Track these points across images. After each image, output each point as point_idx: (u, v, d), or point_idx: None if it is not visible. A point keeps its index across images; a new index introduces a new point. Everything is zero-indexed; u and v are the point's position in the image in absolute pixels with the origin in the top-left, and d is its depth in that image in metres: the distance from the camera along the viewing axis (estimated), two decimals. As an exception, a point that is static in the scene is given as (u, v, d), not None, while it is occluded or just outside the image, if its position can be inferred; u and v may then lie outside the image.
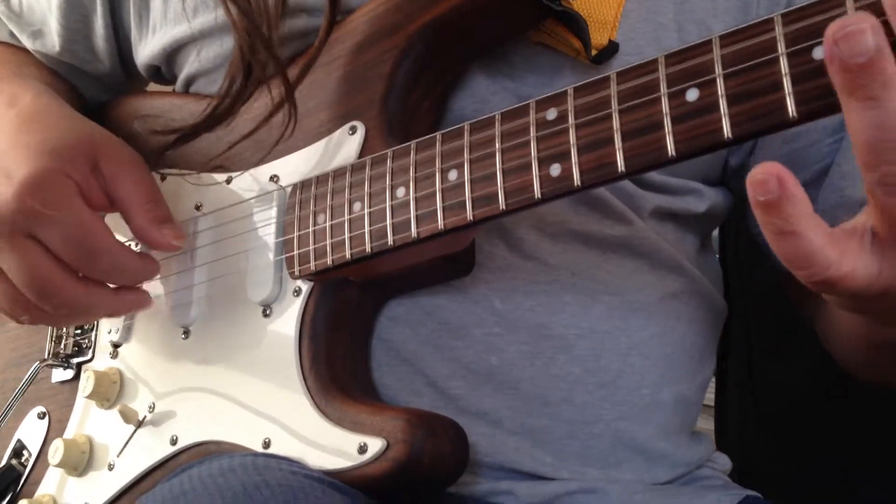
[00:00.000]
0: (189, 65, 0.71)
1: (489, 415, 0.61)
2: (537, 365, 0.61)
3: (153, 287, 0.69)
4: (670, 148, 0.45)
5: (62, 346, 0.76)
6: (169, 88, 0.79)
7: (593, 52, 0.60)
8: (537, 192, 0.49)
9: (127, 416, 0.65)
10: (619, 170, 0.46)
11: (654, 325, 0.65)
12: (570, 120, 0.49)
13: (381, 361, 0.62)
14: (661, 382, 0.65)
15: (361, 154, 0.60)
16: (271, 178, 0.64)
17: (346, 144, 0.61)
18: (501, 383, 0.61)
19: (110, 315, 0.70)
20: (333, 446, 0.54)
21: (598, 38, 0.60)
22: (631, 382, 0.64)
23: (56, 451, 0.68)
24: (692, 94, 0.44)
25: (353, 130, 0.61)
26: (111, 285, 0.64)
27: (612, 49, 0.61)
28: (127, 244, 0.70)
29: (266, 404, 0.59)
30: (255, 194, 0.65)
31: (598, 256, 0.63)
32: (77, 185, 0.60)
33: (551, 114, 0.50)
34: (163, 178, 0.72)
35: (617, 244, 0.64)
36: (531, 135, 0.50)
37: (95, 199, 0.62)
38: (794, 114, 0.41)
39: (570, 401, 0.62)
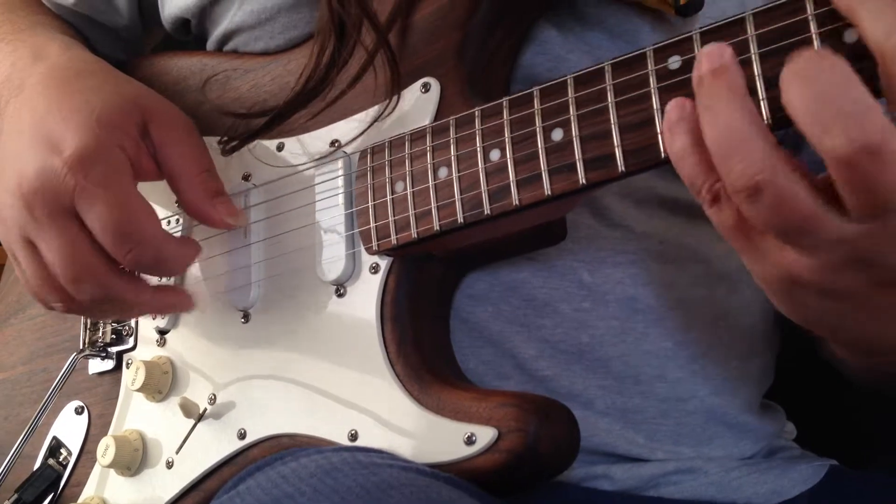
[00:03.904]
0: (228, 19, 0.65)
1: (580, 396, 0.57)
2: (628, 341, 0.58)
3: (205, 267, 0.63)
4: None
5: (99, 334, 0.70)
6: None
7: (681, 3, 0.55)
8: (663, 150, 0.44)
9: (188, 409, 0.59)
10: (767, 122, 0.41)
11: (739, 294, 0.62)
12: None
13: (463, 343, 0.57)
14: (748, 354, 0.63)
15: (438, 114, 0.54)
16: (332, 144, 0.59)
17: (418, 104, 0.55)
18: (592, 362, 0.58)
19: (147, 314, 0.65)
20: (434, 437, 0.49)
21: None
22: (720, 355, 0.61)
23: (106, 449, 0.63)
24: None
25: (427, 88, 0.55)
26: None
27: (697, 4, 0.56)
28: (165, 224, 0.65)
29: (348, 393, 0.54)
30: (315, 162, 0.59)
31: (684, 223, 0.60)
32: (127, 158, 0.54)
33: (674, 62, 0.45)
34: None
35: (702, 210, 0.60)
36: (651, 86, 0.45)
37: (145, 167, 0.56)
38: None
39: (663, 377, 0.59)
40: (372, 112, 0.57)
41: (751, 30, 0.42)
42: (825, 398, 0.88)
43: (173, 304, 0.61)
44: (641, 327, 0.58)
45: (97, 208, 0.52)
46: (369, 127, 0.56)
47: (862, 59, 0.39)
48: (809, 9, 0.41)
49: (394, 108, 0.56)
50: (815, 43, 0.40)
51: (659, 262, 0.59)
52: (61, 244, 0.54)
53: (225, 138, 0.61)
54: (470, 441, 0.48)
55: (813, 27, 0.41)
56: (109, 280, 0.55)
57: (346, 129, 0.58)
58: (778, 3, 0.42)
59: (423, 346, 0.54)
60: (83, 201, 0.52)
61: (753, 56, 0.42)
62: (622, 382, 0.58)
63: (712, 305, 0.61)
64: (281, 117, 0.59)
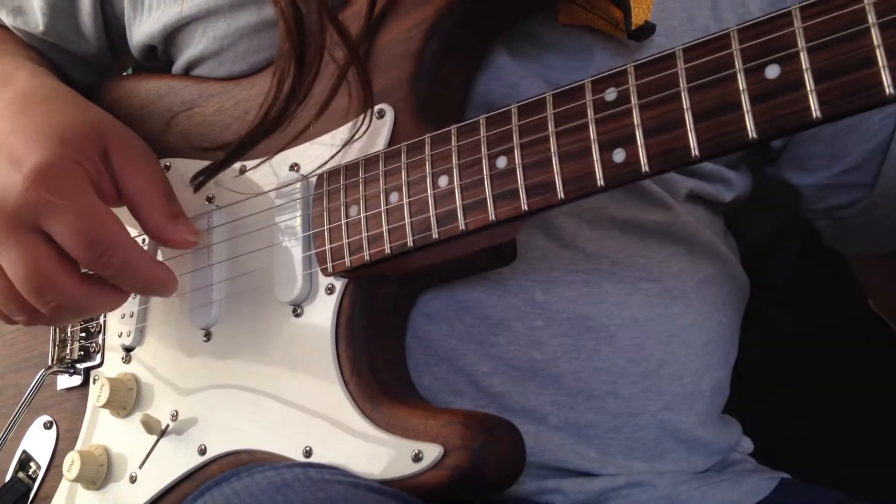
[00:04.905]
0: (193, 46, 0.66)
1: (534, 412, 0.59)
2: (581, 358, 0.59)
3: (168, 287, 0.64)
4: (750, 129, 0.42)
5: (67, 350, 0.71)
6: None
7: (632, 28, 0.57)
8: (600, 180, 0.46)
9: (150, 425, 0.61)
10: (694, 154, 0.43)
11: (694, 312, 0.64)
12: (633, 100, 0.45)
13: (418, 361, 0.59)
14: (701, 370, 0.64)
15: (392, 140, 0.56)
16: (291, 168, 0.60)
17: (373, 129, 0.57)
18: (545, 378, 0.59)
19: (108, 311, 0.66)
20: (384, 454, 0.51)
21: (638, 14, 0.57)
22: (673, 372, 0.62)
23: (72, 464, 0.64)
24: (772, 71, 0.41)
25: (382, 114, 0.57)
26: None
27: (649, 29, 0.58)
28: None
29: (303, 411, 0.55)
30: (275, 185, 0.60)
31: (637, 243, 0.62)
32: (88, 175, 0.55)
33: (610, 94, 0.47)
34: (167, 167, 0.68)
35: (655, 230, 0.62)
36: (589, 117, 0.47)
37: (105, 191, 0.58)
38: (893, 90, 0.38)
39: (616, 393, 0.60)
40: (337, 134, 0.58)
41: (680, 64, 0.44)
42: (784, 413, 0.90)
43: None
44: (594, 344, 0.59)
45: (64, 219, 0.53)
46: (339, 151, 0.57)
47: (787, 91, 0.41)
48: (735, 44, 0.43)
49: (366, 130, 0.56)
50: (740, 77, 0.42)
51: (612, 282, 0.60)
52: (24, 257, 0.54)
53: (199, 178, 0.63)
54: (417, 458, 0.49)
55: (738, 63, 0.43)
56: (72, 289, 0.56)
57: (306, 152, 0.60)
58: (707, 38, 0.44)
59: (376, 364, 0.55)
60: (48, 214, 0.53)
61: (682, 91, 0.44)
62: (575, 398, 0.59)
63: (666, 323, 0.62)
64: (242, 149, 0.60)
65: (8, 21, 0.74)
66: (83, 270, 0.57)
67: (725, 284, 0.68)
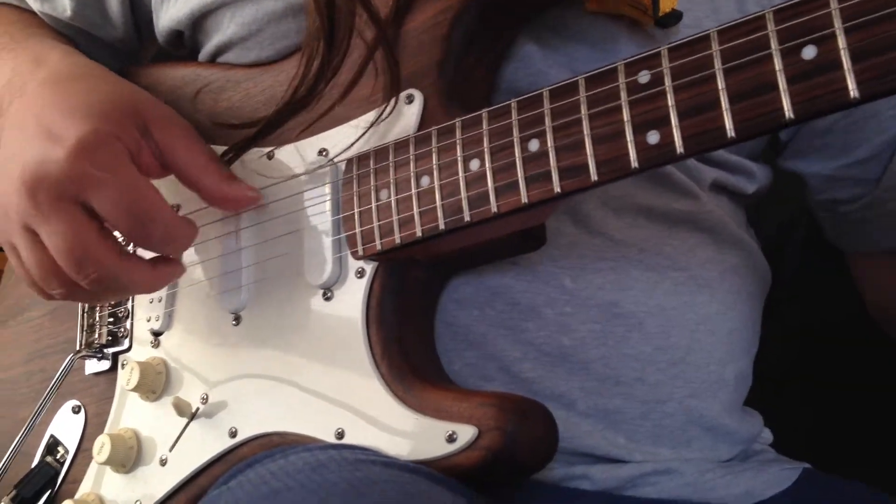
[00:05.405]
0: (221, 32, 0.66)
1: (562, 398, 0.59)
2: (609, 344, 0.60)
3: (198, 271, 0.65)
4: (787, 109, 0.42)
5: (95, 335, 0.72)
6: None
7: (660, 14, 0.57)
8: (634, 162, 0.46)
9: (181, 408, 0.61)
10: (729, 135, 0.43)
11: (718, 301, 0.64)
12: (667, 82, 0.46)
13: (448, 346, 0.59)
14: (725, 359, 0.65)
15: (421, 124, 0.56)
16: (320, 153, 0.61)
17: (402, 114, 0.57)
18: (574, 364, 0.59)
19: (146, 292, 0.66)
20: (417, 435, 0.51)
21: (666, 0, 0.57)
22: (699, 359, 0.62)
23: (102, 447, 0.65)
24: (809, 52, 0.42)
25: (410, 99, 0.57)
26: (148, 257, 0.60)
27: (676, 16, 0.58)
28: None
29: (335, 393, 0.56)
30: (303, 170, 0.61)
31: (663, 231, 0.62)
32: (127, 149, 0.56)
33: (644, 76, 0.47)
34: None
35: (682, 218, 0.62)
36: (622, 99, 0.47)
37: (146, 164, 0.58)
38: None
39: (643, 380, 0.60)
40: (364, 119, 0.59)
41: (715, 45, 0.45)
42: (803, 406, 0.90)
43: (169, 273, 0.61)
44: (622, 331, 0.60)
45: (108, 192, 0.54)
46: (365, 132, 0.57)
47: (824, 72, 0.41)
48: (770, 26, 0.43)
49: (391, 112, 0.57)
50: (776, 59, 0.42)
51: (639, 269, 0.61)
52: (66, 229, 0.55)
53: (228, 155, 0.63)
54: (451, 439, 0.50)
55: (774, 44, 0.43)
56: (113, 261, 0.56)
57: (334, 138, 0.60)
58: (741, 20, 0.44)
59: (407, 348, 0.55)
60: (92, 188, 0.53)
61: (718, 72, 0.44)
62: (603, 384, 0.59)
63: (692, 311, 0.62)
64: (271, 127, 0.61)
65: (35, 6, 0.75)
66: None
67: (749, 274, 0.68)
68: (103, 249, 0.55)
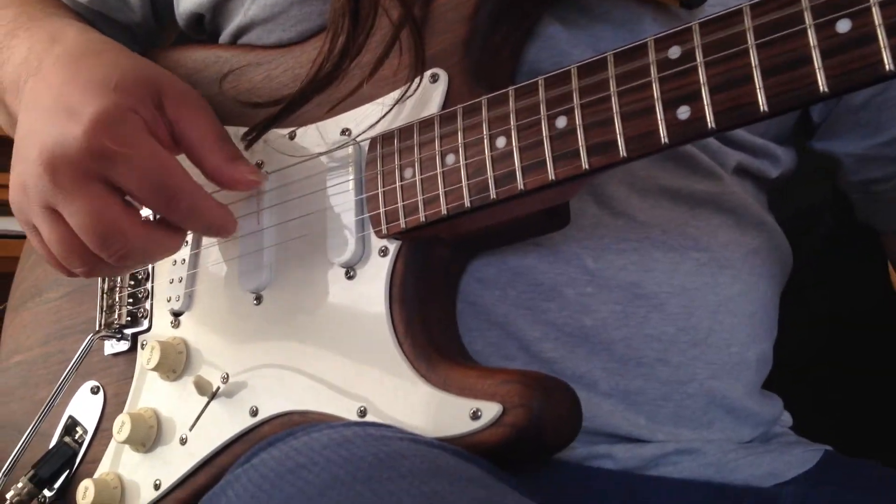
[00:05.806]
0: (242, 13, 0.66)
1: (584, 378, 0.59)
2: (631, 325, 0.59)
3: (219, 251, 0.65)
4: (822, 83, 0.42)
5: (115, 316, 0.72)
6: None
7: None
8: (664, 138, 0.46)
9: (202, 387, 0.61)
10: (763, 109, 0.43)
11: (741, 282, 0.64)
12: (699, 57, 0.45)
13: (470, 325, 0.59)
14: (747, 341, 0.64)
15: (446, 104, 0.56)
16: (343, 132, 0.60)
17: (427, 93, 0.57)
18: (595, 345, 0.59)
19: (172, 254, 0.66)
20: (441, 413, 0.51)
21: None
22: (721, 340, 0.62)
23: (122, 425, 0.65)
24: (843, 25, 0.41)
25: (435, 78, 0.57)
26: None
27: None
28: None
29: (357, 371, 0.55)
30: (326, 149, 0.61)
31: (686, 212, 0.62)
32: (145, 122, 0.55)
33: (674, 52, 0.46)
34: None
35: (705, 200, 0.62)
36: (652, 75, 0.47)
37: (162, 138, 0.58)
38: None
39: (665, 360, 0.60)
40: (389, 98, 0.58)
41: (748, 21, 0.44)
42: (822, 390, 0.90)
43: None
44: (644, 312, 0.60)
45: (131, 167, 0.54)
46: (389, 111, 0.57)
47: (859, 45, 0.41)
48: (805, 1, 0.43)
49: (416, 90, 0.56)
50: (810, 33, 0.42)
51: (661, 251, 0.60)
52: (89, 207, 0.54)
53: (251, 135, 0.63)
54: (475, 416, 0.49)
55: (808, 18, 0.42)
56: (137, 235, 0.56)
57: (357, 117, 0.60)
58: (775, -7, 0.44)
59: (430, 326, 0.55)
60: (114, 163, 0.53)
61: (751, 47, 0.44)
62: (625, 365, 0.59)
63: (714, 293, 0.62)
64: (294, 105, 0.60)
65: None
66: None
67: (771, 257, 0.68)
68: (128, 223, 0.55)
